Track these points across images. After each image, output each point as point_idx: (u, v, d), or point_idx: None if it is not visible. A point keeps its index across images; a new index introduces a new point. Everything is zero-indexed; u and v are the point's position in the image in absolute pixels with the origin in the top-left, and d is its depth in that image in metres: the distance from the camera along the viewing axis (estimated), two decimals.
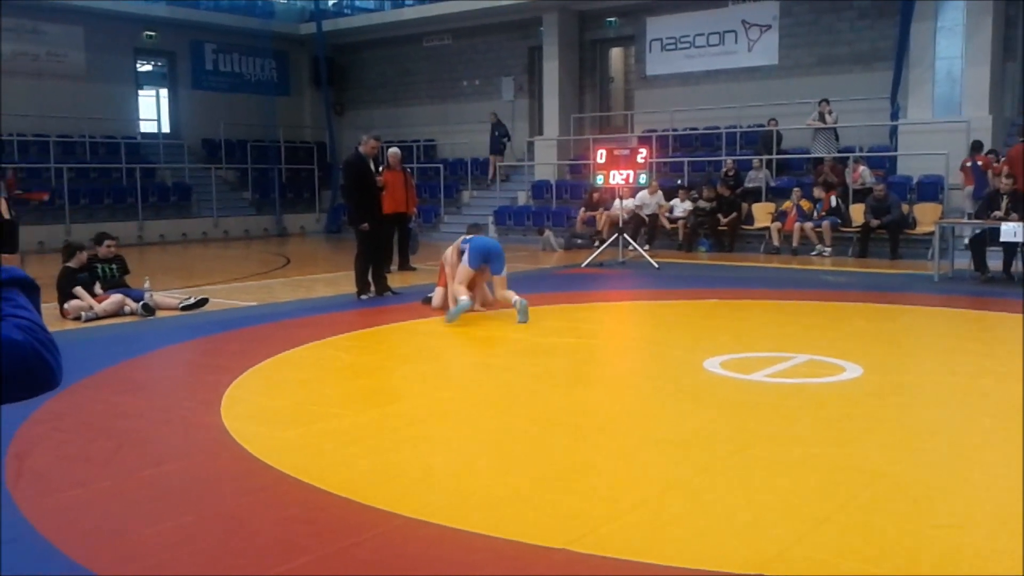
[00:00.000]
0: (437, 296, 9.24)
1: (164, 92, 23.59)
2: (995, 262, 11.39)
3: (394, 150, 13.06)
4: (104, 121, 21.09)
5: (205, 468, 4.41)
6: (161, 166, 21.68)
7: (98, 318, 8.81)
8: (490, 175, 21.06)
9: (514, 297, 8.43)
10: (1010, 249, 11.19)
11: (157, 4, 21.72)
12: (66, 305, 8.90)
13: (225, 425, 5.02)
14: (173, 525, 3.64)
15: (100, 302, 8.98)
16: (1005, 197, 11.35)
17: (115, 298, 9.08)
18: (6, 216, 12.18)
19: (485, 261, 8.74)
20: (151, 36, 22.12)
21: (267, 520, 3.71)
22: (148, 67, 23.76)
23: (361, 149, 10.22)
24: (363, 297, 10.13)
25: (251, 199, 22.81)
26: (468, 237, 9.11)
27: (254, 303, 10.10)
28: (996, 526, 3.54)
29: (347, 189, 10.36)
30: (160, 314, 9.14)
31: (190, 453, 4.65)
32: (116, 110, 21.62)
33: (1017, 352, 7.35)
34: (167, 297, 9.64)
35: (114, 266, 9.55)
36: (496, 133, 20.93)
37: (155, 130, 23.25)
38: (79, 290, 8.94)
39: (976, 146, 14.02)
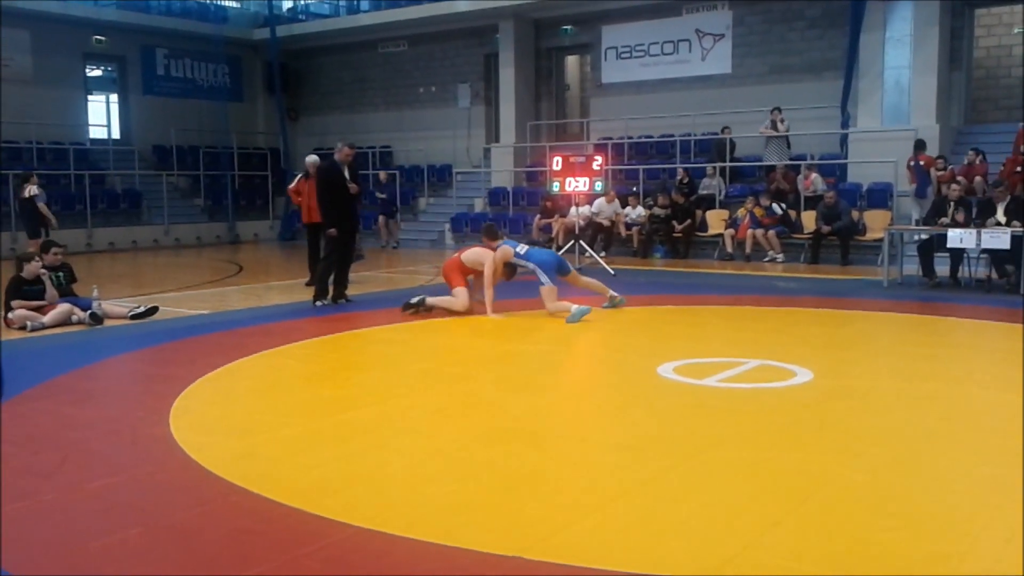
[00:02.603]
0: (461, 298, 9.24)
1: (114, 97, 23.23)
2: (942, 267, 11.61)
3: (312, 158, 12.23)
4: (52, 126, 20.71)
5: (153, 480, 4.33)
6: (111, 172, 21.34)
7: (45, 327, 8.63)
8: (383, 240, 19.21)
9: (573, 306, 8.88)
10: (957, 255, 11.42)
11: (107, 8, 21.41)
12: (10, 315, 8.71)
13: (174, 436, 4.93)
14: (120, 538, 3.57)
15: (47, 312, 8.80)
16: (952, 204, 11.59)
17: (62, 307, 8.89)
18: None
19: (558, 271, 9.26)
20: (100, 41, 21.76)
21: (217, 531, 3.65)
22: (98, 72, 23.39)
23: (336, 156, 10.23)
24: (318, 304, 10.06)
25: (203, 206, 22.53)
26: (522, 252, 9.32)
27: (206, 311, 9.97)
28: (944, 527, 3.60)
29: (319, 195, 10.34)
30: (109, 323, 8.97)
31: (138, 464, 4.57)
32: (64, 115, 21.23)
33: (964, 356, 7.51)
34: (116, 306, 9.47)
35: (61, 274, 9.36)
36: (385, 196, 19.38)
37: (105, 136, 22.87)
38: (18, 303, 8.77)
39: (919, 145, 14.31)
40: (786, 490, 4.02)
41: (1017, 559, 3.26)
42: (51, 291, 9.01)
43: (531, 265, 9.21)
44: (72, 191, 19.87)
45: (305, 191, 11.96)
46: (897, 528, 3.56)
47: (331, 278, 10.26)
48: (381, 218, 19.29)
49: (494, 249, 9.37)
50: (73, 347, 7.90)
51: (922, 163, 14.14)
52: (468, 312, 9.21)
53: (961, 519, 3.69)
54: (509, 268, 9.42)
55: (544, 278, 9.05)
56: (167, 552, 3.47)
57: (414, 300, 9.35)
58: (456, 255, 9.58)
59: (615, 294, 9.60)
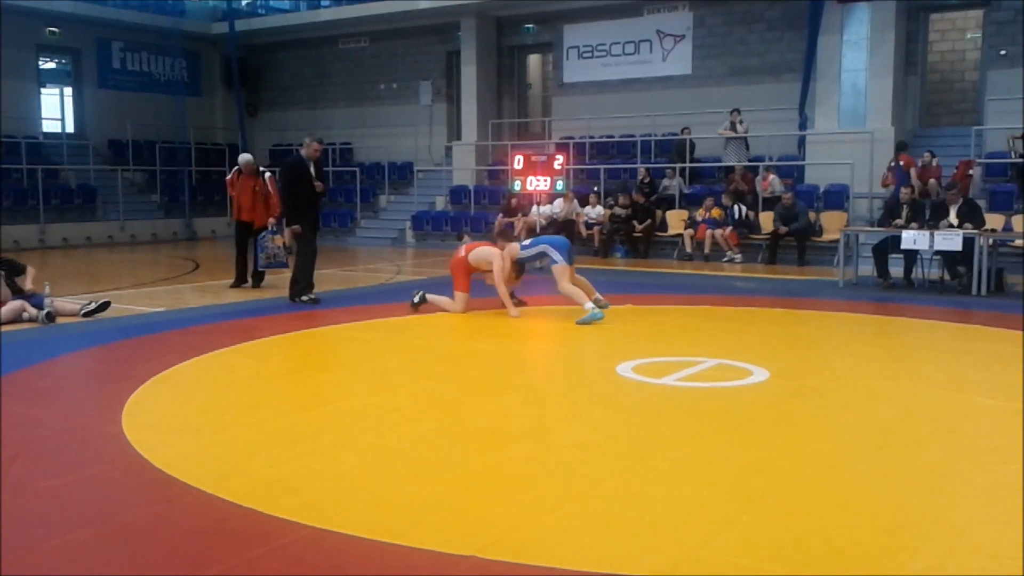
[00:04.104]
0: (459, 304, 9.20)
1: (68, 90, 22.82)
2: (897, 269, 11.79)
3: (245, 156, 11.93)
4: (4, 120, 20.26)
5: (105, 479, 4.26)
6: (65, 167, 20.96)
7: None
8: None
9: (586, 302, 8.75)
10: (910, 256, 11.61)
11: (61, 0, 21.02)
12: None
13: (127, 435, 4.86)
14: (71, 539, 3.50)
15: None
16: (905, 206, 11.77)
17: (13, 304, 8.72)
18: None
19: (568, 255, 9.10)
20: (54, 32, 21.37)
21: (170, 532, 3.60)
22: (51, 64, 22.94)
23: (303, 152, 10.11)
24: (305, 299, 10.05)
25: (160, 202, 22.23)
26: (527, 241, 9.39)
27: (161, 309, 9.83)
28: (897, 523, 3.65)
29: (284, 191, 10.25)
30: (61, 320, 8.81)
31: (90, 464, 4.49)
32: (17, 108, 20.79)
33: (918, 356, 7.63)
34: (68, 303, 9.30)
35: (2, 272, 9.14)
36: None
37: (59, 130, 22.47)
38: None
39: (900, 146, 14.53)
40: (741, 488, 4.05)
41: (968, 552, 3.33)
42: (4, 290, 8.83)
43: (540, 247, 9.13)
44: (24, 186, 19.50)
45: (236, 185, 11.74)
46: (851, 525, 3.61)
47: (311, 270, 10.20)
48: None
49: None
50: (23, 344, 7.74)
51: (902, 164, 14.36)
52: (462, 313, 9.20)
53: (914, 515, 3.75)
54: (517, 268, 9.29)
55: (556, 256, 8.94)
56: (119, 553, 3.41)
57: (416, 299, 9.28)
58: (463, 253, 9.36)
59: (599, 296, 9.34)
